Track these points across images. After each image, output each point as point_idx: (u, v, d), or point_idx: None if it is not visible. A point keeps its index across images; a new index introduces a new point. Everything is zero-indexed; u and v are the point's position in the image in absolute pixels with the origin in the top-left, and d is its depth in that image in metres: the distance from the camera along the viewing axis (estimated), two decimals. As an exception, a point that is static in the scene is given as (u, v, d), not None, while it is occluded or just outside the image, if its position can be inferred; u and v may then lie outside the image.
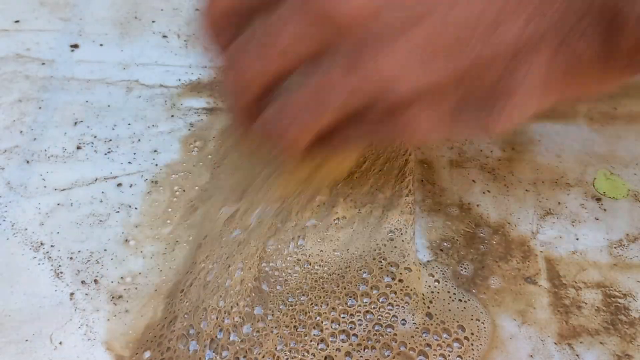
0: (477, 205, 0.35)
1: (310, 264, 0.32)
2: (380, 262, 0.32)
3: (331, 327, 0.29)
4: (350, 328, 0.29)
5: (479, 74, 0.25)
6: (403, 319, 0.30)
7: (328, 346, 0.29)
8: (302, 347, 0.29)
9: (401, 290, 0.31)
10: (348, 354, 0.29)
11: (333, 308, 0.30)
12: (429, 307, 0.30)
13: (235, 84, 0.27)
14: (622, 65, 0.25)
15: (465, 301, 0.31)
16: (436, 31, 0.24)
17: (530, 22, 0.24)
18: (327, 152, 0.31)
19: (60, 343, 0.29)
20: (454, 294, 0.31)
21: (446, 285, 0.31)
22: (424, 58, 0.24)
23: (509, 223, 0.34)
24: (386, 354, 0.29)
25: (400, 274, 0.31)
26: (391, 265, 0.31)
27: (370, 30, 0.23)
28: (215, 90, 0.40)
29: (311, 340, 0.29)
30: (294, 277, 0.31)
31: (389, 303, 0.30)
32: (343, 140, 0.28)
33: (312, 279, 0.31)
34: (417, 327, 0.29)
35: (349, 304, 0.30)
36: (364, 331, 0.29)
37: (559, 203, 0.35)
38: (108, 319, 0.30)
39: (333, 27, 0.24)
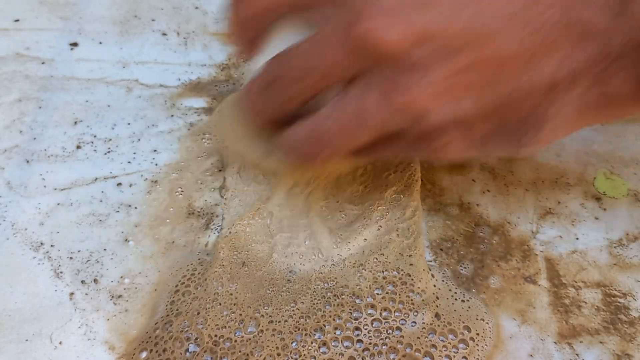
0: (477, 205, 0.35)
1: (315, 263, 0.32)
2: (386, 262, 0.31)
3: (334, 332, 0.29)
4: (356, 335, 0.29)
5: (512, 107, 0.25)
6: (413, 321, 0.30)
7: (330, 350, 0.29)
8: (303, 346, 0.29)
9: (411, 290, 0.31)
10: (352, 358, 0.29)
11: (338, 315, 0.30)
12: (437, 307, 0.30)
13: (271, 97, 0.27)
14: None
15: (467, 300, 0.31)
16: (472, 65, 0.24)
17: (565, 60, 0.24)
18: (356, 162, 0.32)
19: (60, 343, 0.29)
20: (455, 293, 0.31)
21: (446, 285, 0.31)
22: (458, 91, 0.24)
23: (508, 222, 0.34)
24: (392, 357, 0.29)
25: (408, 275, 0.31)
26: (400, 267, 0.31)
27: (408, 59, 0.24)
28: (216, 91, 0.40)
29: (312, 342, 0.29)
30: (297, 279, 0.31)
31: (399, 301, 0.30)
32: (374, 155, 0.28)
33: (318, 278, 0.31)
34: (424, 328, 0.29)
35: (354, 315, 0.30)
36: (370, 337, 0.29)
37: (559, 202, 0.35)
38: (108, 319, 0.30)
39: (374, 54, 0.24)
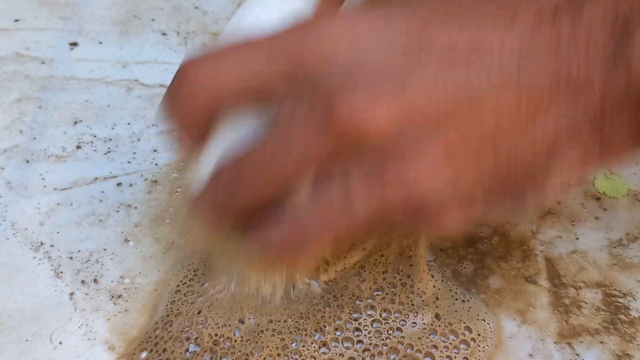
0: (477, 205, 0.35)
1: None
2: (386, 263, 0.32)
3: (334, 333, 0.29)
4: (356, 335, 0.29)
5: (515, 171, 0.24)
6: (413, 322, 0.30)
7: (330, 350, 0.29)
8: (303, 347, 0.29)
9: (411, 291, 0.31)
10: (352, 359, 0.29)
11: (338, 316, 0.30)
12: (437, 307, 0.30)
13: (234, 199, 0.24)
14: None
15: (467, 301, 0.31)
16: (467, 136, 0.22)
17: (564, 116, 0.23)
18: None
19: (60, 343, 0.29)
20: (456, 293, 0.31)
21: (446, 285, 0.31)
22: (455, 165, 0.23)
23: (508, 222, 0.34)
24: (392, 357, 0.29)
25: (408, 275, 0.31)
26: (400, 267, 0.31)
27: (398, 141, 0.22)
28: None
29: (312, 343, 0.29)
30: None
31: (399, 302, 0.30)
32: (364, 236, 0.27)
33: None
34: (425, 328, 0.29)
35: (353, 316, 0.30)
36: (370, 337, 0.29)
37: (559, 202, 0.35)
38: (108, 319, 0.30)
39: (358, 141, 0.22)
